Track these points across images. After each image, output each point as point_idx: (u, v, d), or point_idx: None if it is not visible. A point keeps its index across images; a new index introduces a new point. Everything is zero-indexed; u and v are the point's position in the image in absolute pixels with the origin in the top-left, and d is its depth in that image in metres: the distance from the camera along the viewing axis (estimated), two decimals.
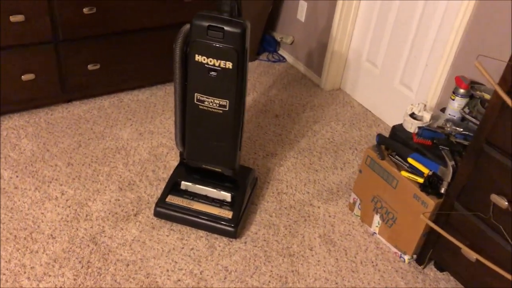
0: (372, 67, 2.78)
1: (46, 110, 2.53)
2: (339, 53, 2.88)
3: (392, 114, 2.71)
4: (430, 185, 1.77)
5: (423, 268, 1.93)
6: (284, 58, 3.30)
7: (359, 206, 2.10)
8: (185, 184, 2.01)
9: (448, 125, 1.91)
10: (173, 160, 2.31)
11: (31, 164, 2.18)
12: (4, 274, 1.71)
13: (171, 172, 2.23)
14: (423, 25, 2.39)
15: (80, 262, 1.78)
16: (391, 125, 2.73)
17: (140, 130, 2.48)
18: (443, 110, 2.11)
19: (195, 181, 2.00)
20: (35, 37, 2.23)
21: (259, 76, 3.08)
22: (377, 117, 2.81)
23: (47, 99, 2.50)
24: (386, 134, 2.68)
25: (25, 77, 2.30)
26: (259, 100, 2.85)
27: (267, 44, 3.29)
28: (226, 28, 1.58)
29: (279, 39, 3.26)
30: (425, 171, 1.79)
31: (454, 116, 1.98)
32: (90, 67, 2.46)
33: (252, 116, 2.70)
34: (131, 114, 2.59)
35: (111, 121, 2.52)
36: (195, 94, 1.74)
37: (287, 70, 3.19)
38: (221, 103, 1.74)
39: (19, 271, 1.72)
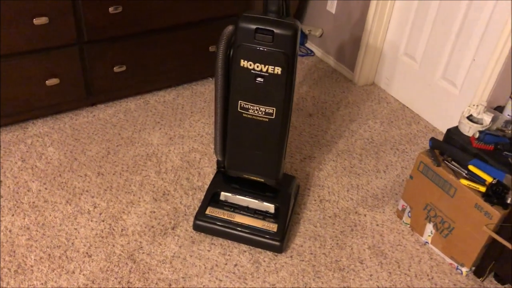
0: (410, 60, 2.62)
1: (71, 115, 2.41)
2: (373, 47, 2.72)
3: (433, 110, 2.57)
4: (494, 195, 1.64)
5: (483, 281, 1.80)
6: (312, 51, 3.14)
7: (409, 214, 1.97)
8: (224, 195, 1.89)
9: (509, 128, 1.77)
10: (207, 167, 2.19)
11: (60, 175, 2.07)
12: None
13: (206, 180, 2.12)
14: (470, 16, 2.23)
15: (119, 282, 1.68)
16: (431, 122, 2.60)
17: (170, 134, 2.36)
18: (497, 109, 1.97)
19: (235, 192, 1.88)
20: (59, 39, 2.10)
21: None
22: (416, 113, 2.66)
23: (71, 103, 2.38)
24: (428, 132, 2.56)
25: (49, 82, 2.18)
26: None
27: None
28: (276, 30, 1.44)
29: (307, 32, 3.11)
30: (488, 179, 1.65)
31: None
32: (116, 69, 2.33)
33: None
34: (159, 117, 2.47)
35: (139, 125, 2.40)
36: (239, 101, 1.61)
37: (316, 64, 3.05)
38: (267, 110, 1.60)
39: None
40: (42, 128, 2.31)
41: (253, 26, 1.46)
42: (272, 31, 1.45)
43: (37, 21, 1.98)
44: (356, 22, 2.75)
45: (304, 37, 3.16)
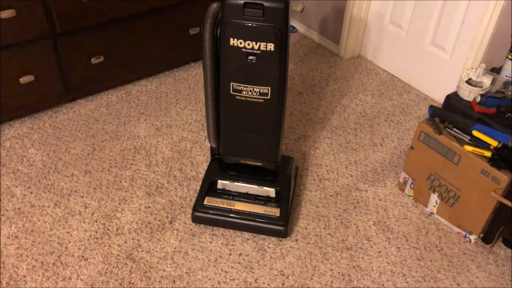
0: (397, 29, 2.55)
1: (50, 113, 2.28)
2: (358, 18, 2.64)
3: (423, 78, 2.51)
4: (500, 158, 1.59)
5: (492, 247, 1.77)
6: (294, 28, 3.05)
7: (411, 185, 1.92)
8: (222, 183, 1.81)
9: (508, 89, 1.72)
10: (199, 155, 2.10)
11: (44, 177, 1.96)
12: None
13: (199, 169, 2.03)
14: None
15: (120, 284, 1.59)
16: (422, 90, 2.54)
17: (156, 124, 2.26)
18: (494, 71, 1.92)
19: (233, 179, 1.80)
20: (30, 33, 1.96)
21: None
22: (406, 83, 2.61)
23: (49, 100, 2.25)
24: (420, 100, 2.50)
25: (24, 79, 2.05)
26: None
27: None
28: (266, 4, 1.35)
29: None
30: (493, 143, 1.60)
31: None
32: (93, 60, 2.20)
33: None
34: (143, 108, 2.35)
35: (123, 117, 2.29)
36: (231, 83, 1.52)
37: (300, 40, 2.96)
38: (261, 91, 1.52)
39: None
40: (20, 129, 2.18)
41: (241, 1, 1.36)
42: (262, 4, 1.35)
43: (4, 14, 1.84)
44: None
45: None
